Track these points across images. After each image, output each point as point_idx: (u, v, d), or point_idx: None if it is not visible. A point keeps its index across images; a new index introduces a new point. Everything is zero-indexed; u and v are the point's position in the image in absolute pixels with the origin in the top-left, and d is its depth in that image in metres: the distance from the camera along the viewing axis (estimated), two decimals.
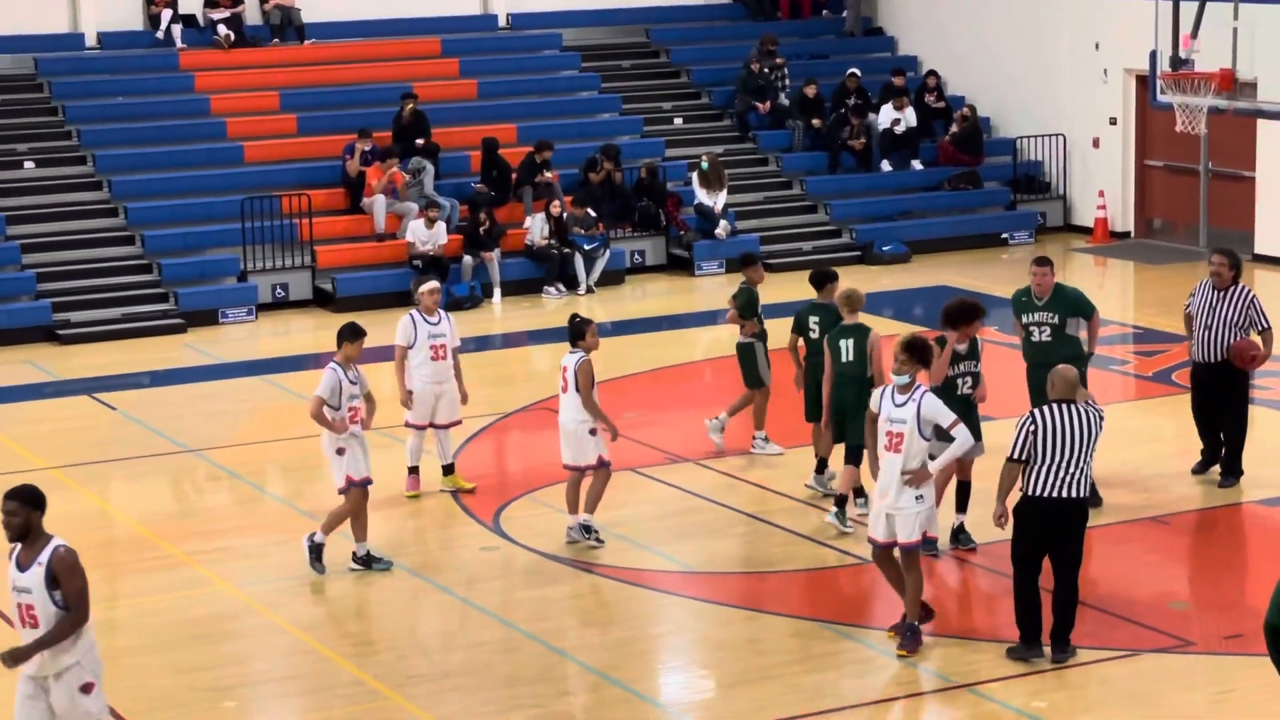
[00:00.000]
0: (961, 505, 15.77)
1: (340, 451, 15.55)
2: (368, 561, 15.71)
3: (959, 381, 15.56)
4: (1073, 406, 13.18)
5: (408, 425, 17.70)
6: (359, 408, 15.62)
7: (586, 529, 16.16)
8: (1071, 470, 13.10)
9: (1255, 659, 13.60)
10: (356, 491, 15.58)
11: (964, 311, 15.69)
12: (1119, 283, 27.84)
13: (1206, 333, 17.26)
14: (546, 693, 13.35)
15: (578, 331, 15.99)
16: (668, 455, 18.92)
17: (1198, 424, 17.81)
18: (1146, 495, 17.30)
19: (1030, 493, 13.17)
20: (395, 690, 13.44)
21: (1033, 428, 13.12)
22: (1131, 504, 17.01)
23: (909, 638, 13.62)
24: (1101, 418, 13.32)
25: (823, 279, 17.54)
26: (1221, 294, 17.24)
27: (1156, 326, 23.92)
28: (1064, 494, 13.10)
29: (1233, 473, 17.53)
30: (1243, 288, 17.32)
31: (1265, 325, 17.26)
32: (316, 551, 15.68)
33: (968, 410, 15.31)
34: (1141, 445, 18.80)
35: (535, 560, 16.06)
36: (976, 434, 15.45)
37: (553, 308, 26.89)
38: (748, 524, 16.85)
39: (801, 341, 17.46)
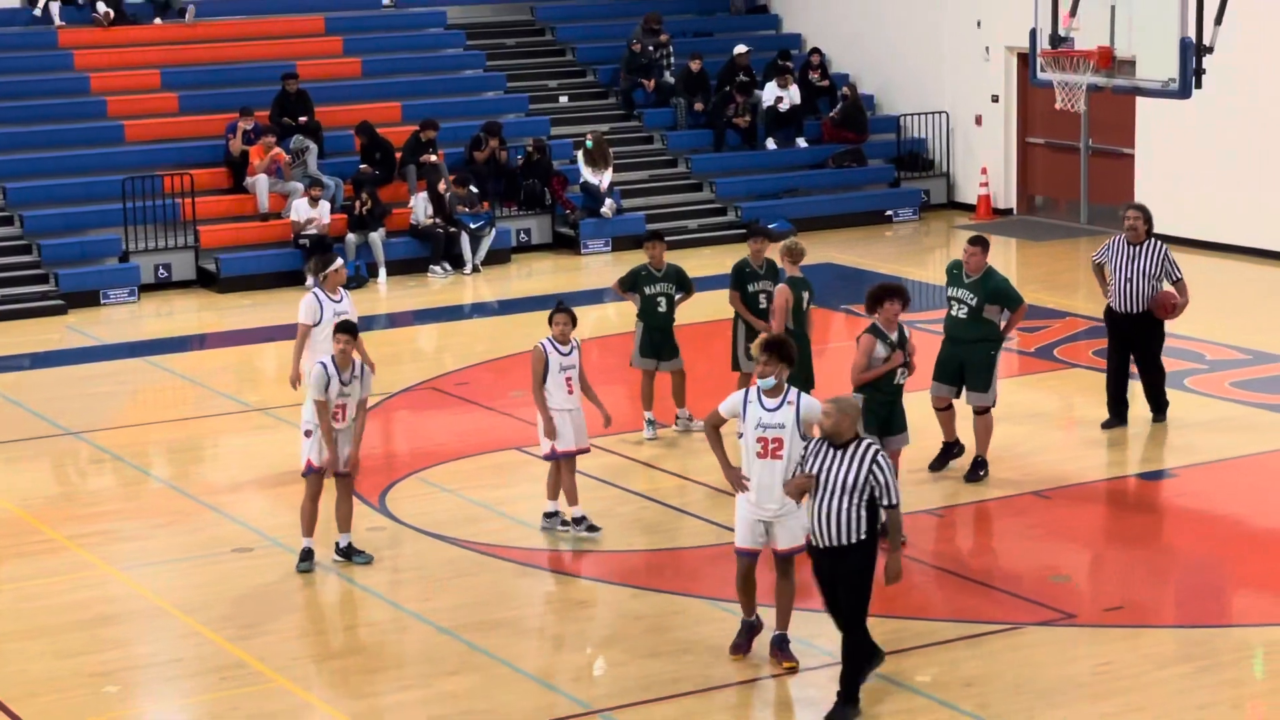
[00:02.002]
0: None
1: (309, 433, 15.30)
2: (349, 554, 15.39)
3: (892, 371, 15.12)
4: None
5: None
6: (346, 405, 15.20)
7: (550, 515, 16.08)
8: None
9: (1135, 630, 13.80)
10: (313, 476, 15.35)
11: (875, 294, 15.17)
12: (1002, 259, 28.00)
13: (1127, 285, 18.14)
14: (434, 672, 13.30)
15: (550, 318, 15.78)
16: None
17: (1109, 374, 18.63)
18: (1028, 469, 17.46)
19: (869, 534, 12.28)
20: (280, 672, 13.36)
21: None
22: (1013, 478, 17.16)
23: (788, 651, 13.15)
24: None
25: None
26: (1137, 248, 18.18)
27: (1039, 302, 24.09)
28: None
29: (1160, 409, 18.64)
30: (1156, 242, 18.21)
31: (1178, 276, 18.22)
32: (346, 553, 15.41)
33: (894, 401, 15.12)
34: (1024, 420, 18.96)
35: (422, 540, 16.02)
36: (901, 424, 15.26)
37: (438, 287, 26.82)
38: (636, 502, 16.87)
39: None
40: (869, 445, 12.20)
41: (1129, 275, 18.14)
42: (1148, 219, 18.29)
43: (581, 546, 15.79)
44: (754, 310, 18.09)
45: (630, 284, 18.55)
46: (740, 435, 13.05)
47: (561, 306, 15.78)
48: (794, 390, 12.90)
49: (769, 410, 12.82)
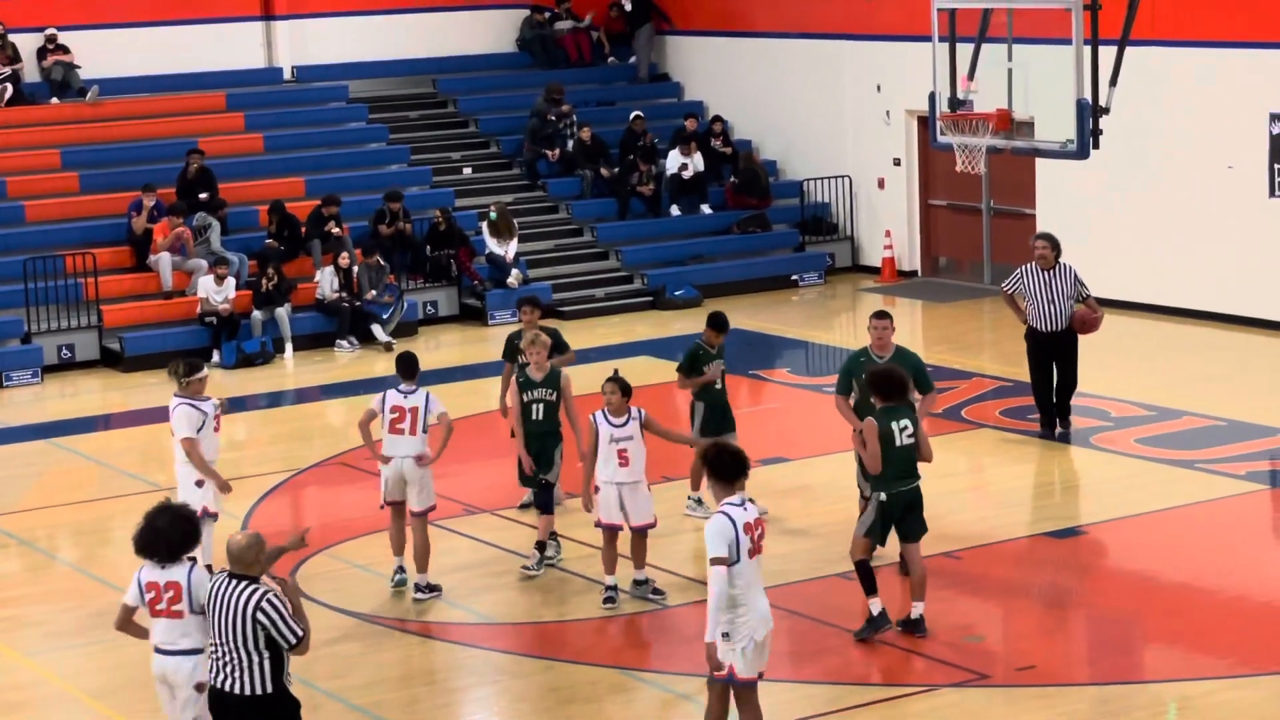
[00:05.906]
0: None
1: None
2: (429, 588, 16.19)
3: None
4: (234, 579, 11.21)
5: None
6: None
7: (641, 583, 15.98)
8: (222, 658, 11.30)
9: (1048, 689, 13.85)
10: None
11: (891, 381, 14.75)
12: (908, 321, 28.17)
13: (1049, 306, 19.96)
14: None
15: (602, 388, 15.68)
16: (465, 507, 18.83)
17: (1036, 389, 20.44)
18: (939, 530, 17.45)
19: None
20: None
21: None
22: (925, 539, 17.16)
23: None
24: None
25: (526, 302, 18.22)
26: (1049, 273, 19.95)
27: (946, 364, 24.23)
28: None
29: (1065, 416, 20.47)
30: (1064, 265, 20.02)
31: (1087, 293, 20.11)
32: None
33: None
34: (932, 481, 18.86)
35: (333, 617, 15.89)
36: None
37: (345, 361, 26.71)
38: (545, 573, 16.79)
39: None
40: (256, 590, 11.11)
41: (1049, 298, 19.90)
42: (1055, 245, 20.01)
43: (497, 619, 15.71)
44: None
45: (690, 367, 17.62)
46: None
47: (613, 376, 15.68)
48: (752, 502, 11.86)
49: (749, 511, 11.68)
